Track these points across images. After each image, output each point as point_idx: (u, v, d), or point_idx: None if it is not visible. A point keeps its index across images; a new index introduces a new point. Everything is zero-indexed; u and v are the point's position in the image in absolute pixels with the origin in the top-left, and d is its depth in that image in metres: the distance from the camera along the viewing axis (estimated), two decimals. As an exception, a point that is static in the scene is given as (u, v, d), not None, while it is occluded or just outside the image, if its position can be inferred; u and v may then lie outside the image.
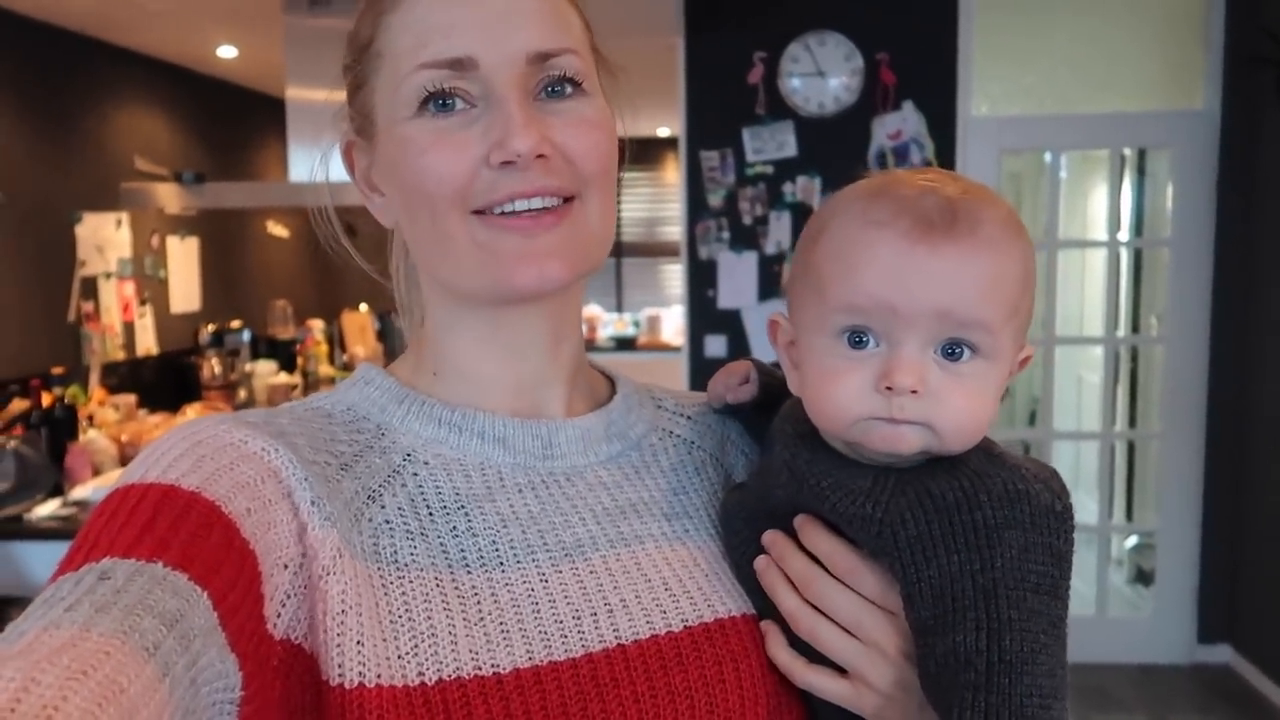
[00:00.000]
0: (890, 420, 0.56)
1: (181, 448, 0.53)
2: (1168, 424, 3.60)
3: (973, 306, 0.55)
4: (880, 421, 0.56)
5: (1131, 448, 4.43)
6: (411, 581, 0.56)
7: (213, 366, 4.19)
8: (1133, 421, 4.44)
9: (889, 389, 0.55)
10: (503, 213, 0.58)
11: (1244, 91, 3.37)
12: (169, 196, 2.95)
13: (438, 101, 0.58)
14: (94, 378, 3.80)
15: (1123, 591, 4.20)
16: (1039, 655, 0.52)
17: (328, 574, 0.53)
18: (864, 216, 0.57)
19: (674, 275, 6.33)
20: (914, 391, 0.55)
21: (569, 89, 0.60)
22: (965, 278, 0.55)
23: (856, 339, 0.57)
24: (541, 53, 0.58)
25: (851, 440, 0.58)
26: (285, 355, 4.67)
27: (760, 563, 0.62)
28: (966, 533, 0.54)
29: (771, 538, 0.62)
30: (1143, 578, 4.13)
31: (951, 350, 0.56)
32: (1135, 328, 4.44)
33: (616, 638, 0.58)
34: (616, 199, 0.64)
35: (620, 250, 7.46)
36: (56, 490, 2.77)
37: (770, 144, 3.57)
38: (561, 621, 0.57)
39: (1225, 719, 3.22)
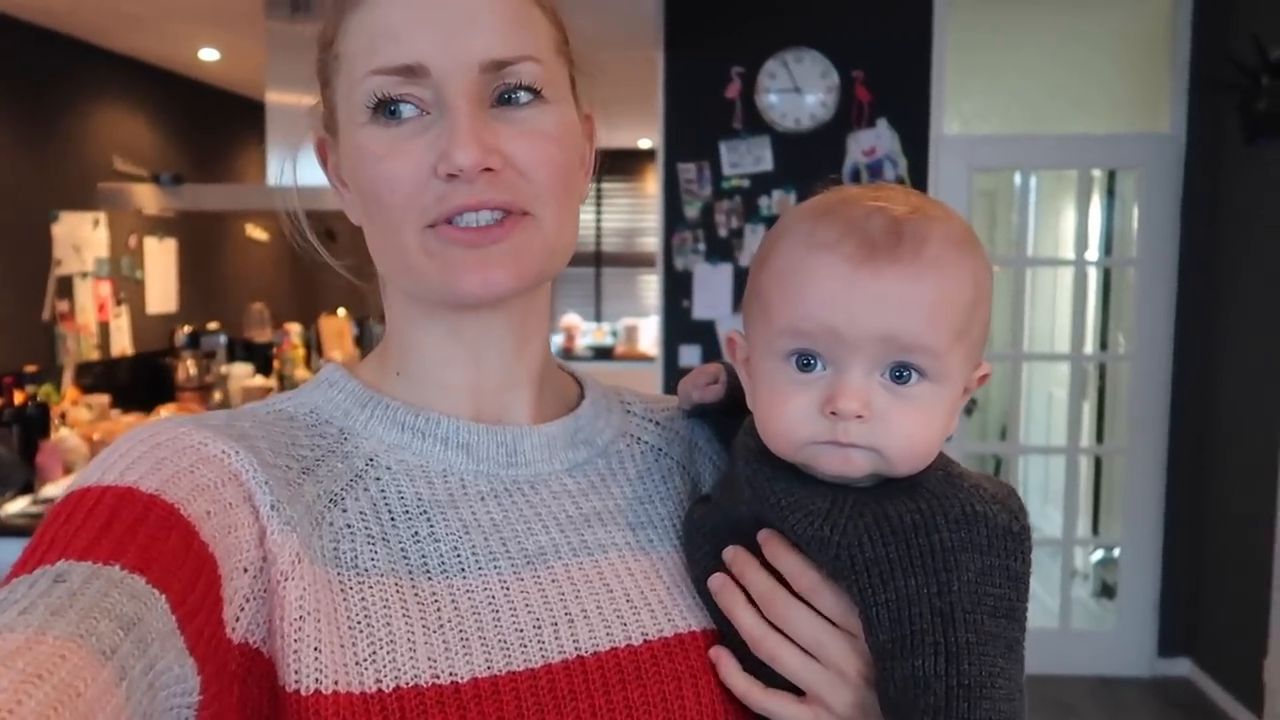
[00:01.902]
0: (837, 444, 0.56)
1: (141, 450, 0.52)
2: (1133, 440, 3.67)
3: (917, 331, 0.54)
4: (827, 445, 0.56)
5: (1099, 463, 4.50)
6: (371, 587, 0.55)
7: (188, 368, 4.18)
8: (1100, 437, 4.52)
9: (834, 414, 0.55)
10: (451, 223, 0.57)
11: (1208, 116, 3.45)
12: (147, 197, 2.96)
13: (387, 109, 0.57)
14: (68, 377, 3.78)
15: (1087, 605, 4.26)
16: (997, 679, 0.52)
17: (286, 579, 0.52)
18: (810, 239, 0.56)
19: (652, 286, 6.36)
20: (859, 416, 0.55)
21: (525, 97, 0.58)
22: (909, 302, 0.54)
23: (804, 362, 0.57)
24: (496, 60, 0.56)
25: (800, 463, 0.58)
26: (262, 358, 4.66)
27: (715, 581, 0.61)
28: (924, 556, 0.53)
29: (733, 554, 0.61)
30: (1107, 591, 4.19)
31: (899, 373, 0.56)
32: (1104, 345, 4.51)
33: (576, 649, 0.57)
34: (578, 209, 0.63)
35: (599, 260, 7.49)
36: (27, 488, 2.77)
37: (747, 158, 3.62)
38: (521, 630, 0.57)
39: (1183, 731, 3.28)
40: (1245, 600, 3.23)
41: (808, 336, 0.56)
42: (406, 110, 0.57)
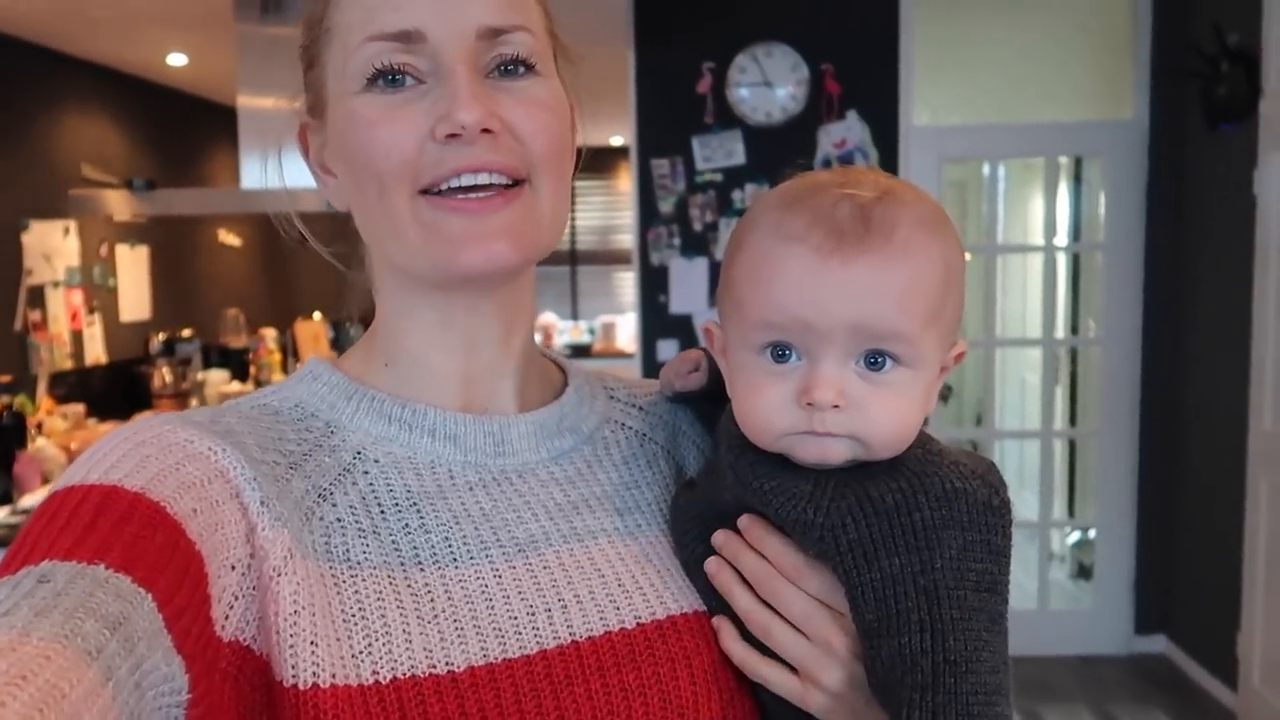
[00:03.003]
0: (814, 434, 0.56)
1: (125, 448, 0.52)
2: (1105, 422, 3.73)
3: (888, 319, 0.54)
4: (805, 435, 0.56)
5: (1073, 446, 4.56)
6: (364, 580, 0.55)
7: (163, 375, 4.15)
8: (1073, 420, 4.58)
9: (810, 404, 0.55)
10: (449, 189, 0.57)
11: (1170, 103, 3.51)
12: (118, 204, 2.94)
13: (386, 78, 0.57)
14: (41, 387, 3.75)
15: (1064, 586, 4.32)
16: (982, 653, 0.53)
17: (279, 575, 0.52)
18: (778, 230, 0.56)
19: (628, 282, 6.38)
20: (836, 406, 0.55)
21: (521, 69, 0.58)
22: (879, 290, 0.54)
23: (779, 353, 0.57)
24: (492, 28, 0.57)
25: (780, 452, 0.58)
26: (237, 364, 4.64)
27: (711, 564, 0.62)
28: (906, 535, 0.54)
29: (724, 538, 0.61)
30: (1084, 573, 4.26)
31: (874, 360, 0.56)
32: (1075, 329, 4.58)
33: (570, 634, 0.57)
34: (571, 191, 0.63)
35: (575, 258, 7.49)
36: (5, 498, 2.75)
37: (719, 152, 3.65)
38: (515, 618, 0.57)
39: (1161, 706, 3.34)
40: (1218, 577, 3.29)
41: (780, 329, 0.56)
42: (407, 80, 0.57)
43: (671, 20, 3.63)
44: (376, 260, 0.65)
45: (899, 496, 0.55)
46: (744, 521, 0.61)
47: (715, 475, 0.64)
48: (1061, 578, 4.36)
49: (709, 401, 0.70)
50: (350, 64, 0.58)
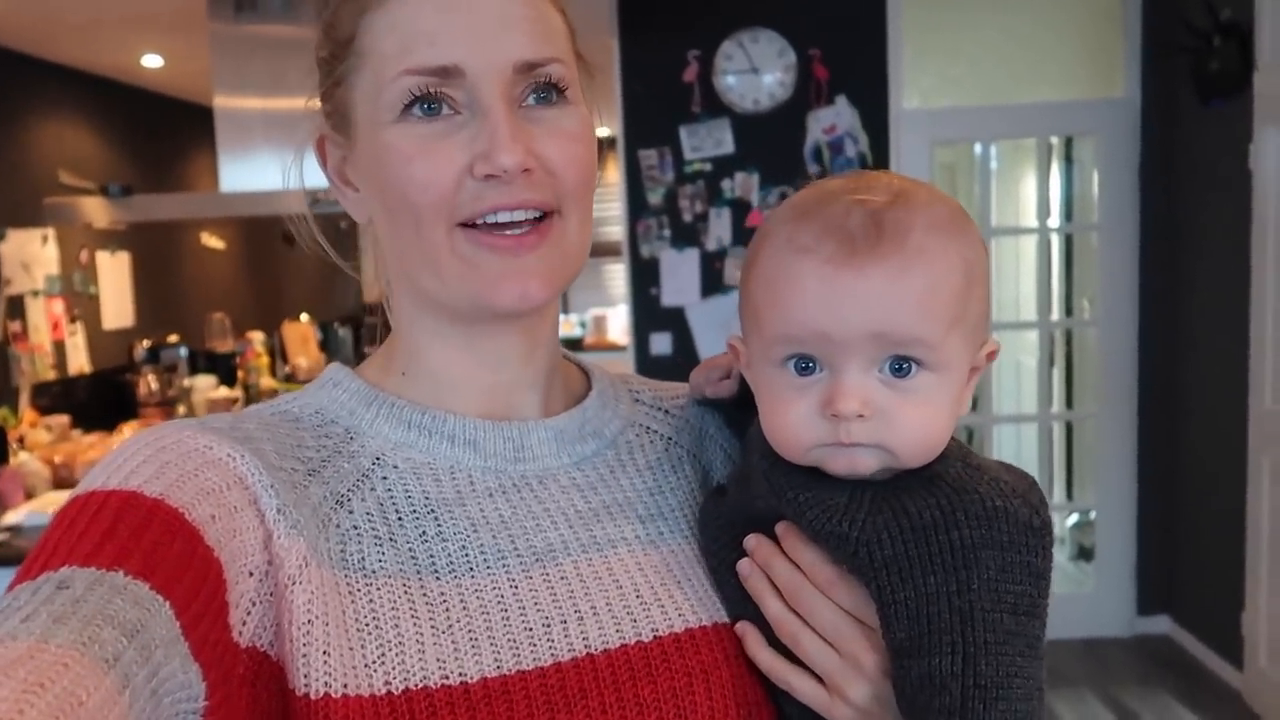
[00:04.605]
0: (842, 445, 0.55)
1: (144, 454, 0.52)
2: (1102, 404, 3.70)
3: (907, 325, 0.54)
4: (833, 447, 0.56)
5: (1070, 429, 4.54)
6: (379, 589, 0.55)
7: (149, 383, 4.09)
8: (1070, 403, 4.56)
9: (835, 415, 0.55)
10: (486, 224, 0.58)
11: (1162, 79, 3.48)
12: (96, 210, 2.88)
13: (424, 105, 0.57)
14: (24, 399, 3.69)
15: (1065, 568, 4.31)
16: (1014, 679, 0.52)
17: (294, 583, 0.52)
18: (791, 242, 0.56)
19: (618, 275, 6.33)
20: (861, 415, 0.54)
21: (554, 96, 0.59)
22: (896, 297, 0.53)
23: (802, 366, 0.56)
24: (529, 63, 0.58)
25: (810, 465, 0.57)
26: (225, 369, 4.58)
27: (744, 566, 0.61)
28: (943, 554, 0.53)
29: (756, 542, 0.61)
30: (1084, 554, 4.24)
31: (898, 367, 0.55)
32: (1070, 311, 4.55)
33: (586, 647, 0.57)
34: (592, 209, 0.64)
35: (564, 251, 7.44)
36: (-12, 516, 2.69)
37: (708, 141, 3.60)
38: (531, 629, 0.56)
39: (1166, 687, 3.33)
40: (1221, 555, 3.28)
41: (800, 342, 0.55)
42: (443, 109, 0.57)
43: (656, 8, 3.58)
44: (395, 279, 0.65)
45: (937, 513, 0.54)
46: (781, 528, 0.60)
47: (748, 483, 0.63)
48: (1062, 560, 4.35)
49: (739, 408, 0.69)
50: (385, 94, 0.58)
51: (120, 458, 0.52)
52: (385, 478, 0.60)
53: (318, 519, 0.56)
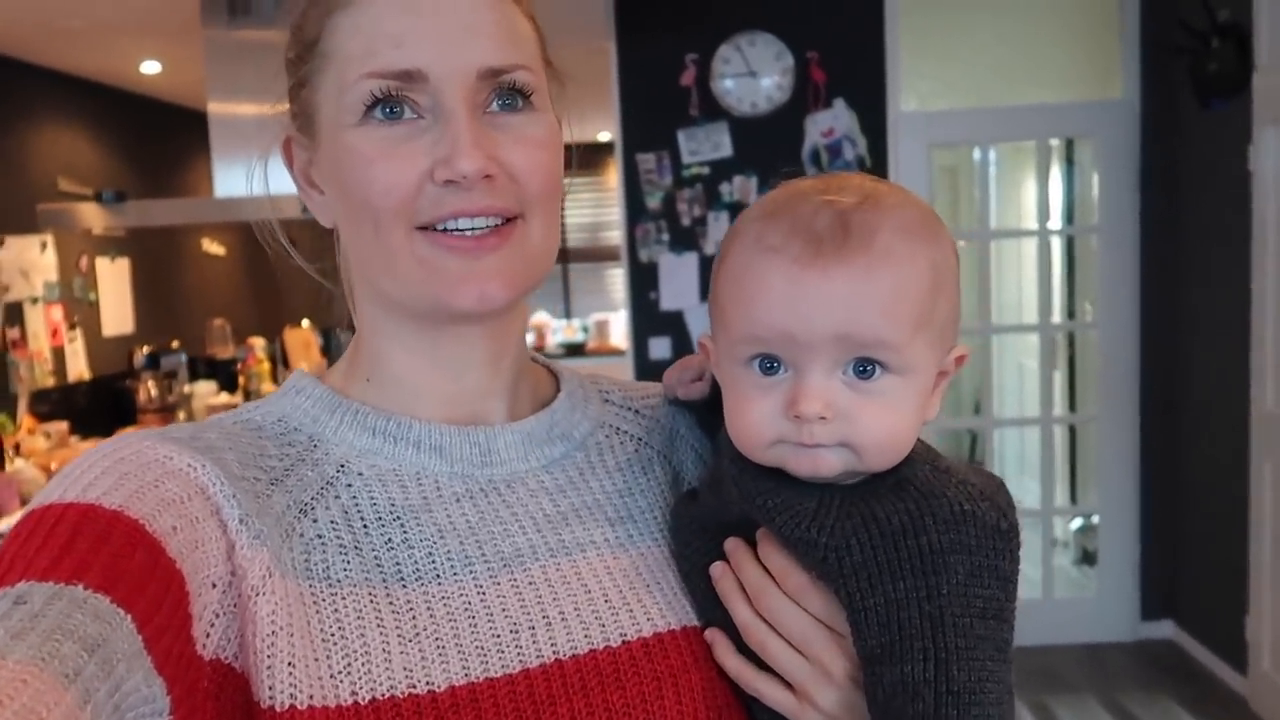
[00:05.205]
0: (805, 446, 0.55)
1: (103, 465, 0.51)
2: (1105, 407, 3.68)
3: (871, 327, 0.53)
4: (795, 447, 0.55)
5: (1073, 432, 4.52)
6: (344, 598, 0.54)
7: (149, 389, 4.09)
8: (1073, 406, 4.54)
9: (798, 416, 0.54)
10: (446, 230, 0.57)
11: (1161, 80, 3.46)
12: (92, 217, 2.88)
13: (385, 108, 0.57)
14: (22, 406, 3.69)
15: (1069, 573, 4.28)
16: (986, 683, 0.52)
17: (257, 594, 0.52)
18: (759, 242, 0.55)
19: (619, 279, 6.34)
20: (823, 417, 0.54)
21: (519, 102, 0.59)
22: (861, 298, 0.53)
23: (767, 365, 0.56)
24: (493, 69, 0.57)
25: (772, 465, 0.57)
26: (226, 375, 4.58)
27: (717, 569, 0.61)
28: (912, 559, 0.53)
29: (733, 545, 0.61)
30: (1088, 559, 4.21)
31: (862, 369, 0.55)
32: (1071, 314, 4.53)
33: (554, 653, 0.56)
34: (561, 215, 0.64)
35: (566, 256, 7.44)
36: (-17, 523, 2.68)
37: (705, 145, 3.59)
38: (499, 636, 0.56)
39: (1170, 693, 3.30)
40: (1224, 559, 3.25)
41: (764, 342, 0.55)
42: (405, 111, 0.57)
43: (653, 12, 3.57)
44: (358, 283, 0.65)
45: (905, 519, 0.54)
46: (762, 533, 0.59)
47: (719, 487, 0.62)
48: (1065, 564, 4.32)
49: (711, 410, 0.68)
50: (347, 96, 0.57)
51: (78, 469, 0.51)
52: (350, 485, 0.59)
53: (281, 529, 0.55)
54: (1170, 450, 3.60)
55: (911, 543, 0.53)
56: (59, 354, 4.12)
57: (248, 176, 0.67)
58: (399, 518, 0.59)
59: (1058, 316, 4.39)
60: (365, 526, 0.58)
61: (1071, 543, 4.43)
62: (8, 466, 2.93)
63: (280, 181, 0.67)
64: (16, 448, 3.16)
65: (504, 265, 0.58)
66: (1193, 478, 3.52)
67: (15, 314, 3.85)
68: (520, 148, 0.58)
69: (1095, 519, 3.90)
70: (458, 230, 0.57)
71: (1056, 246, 4.43)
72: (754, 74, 3.55)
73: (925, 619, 0.52)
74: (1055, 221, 4.41)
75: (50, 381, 4.02)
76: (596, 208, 7.46)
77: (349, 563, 0.56)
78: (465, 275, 0.57)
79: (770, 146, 3.55)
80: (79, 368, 4.25)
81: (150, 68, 4.31)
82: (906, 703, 0.51)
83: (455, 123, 0.56)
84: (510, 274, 0.58)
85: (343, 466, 0.60)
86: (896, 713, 0.52)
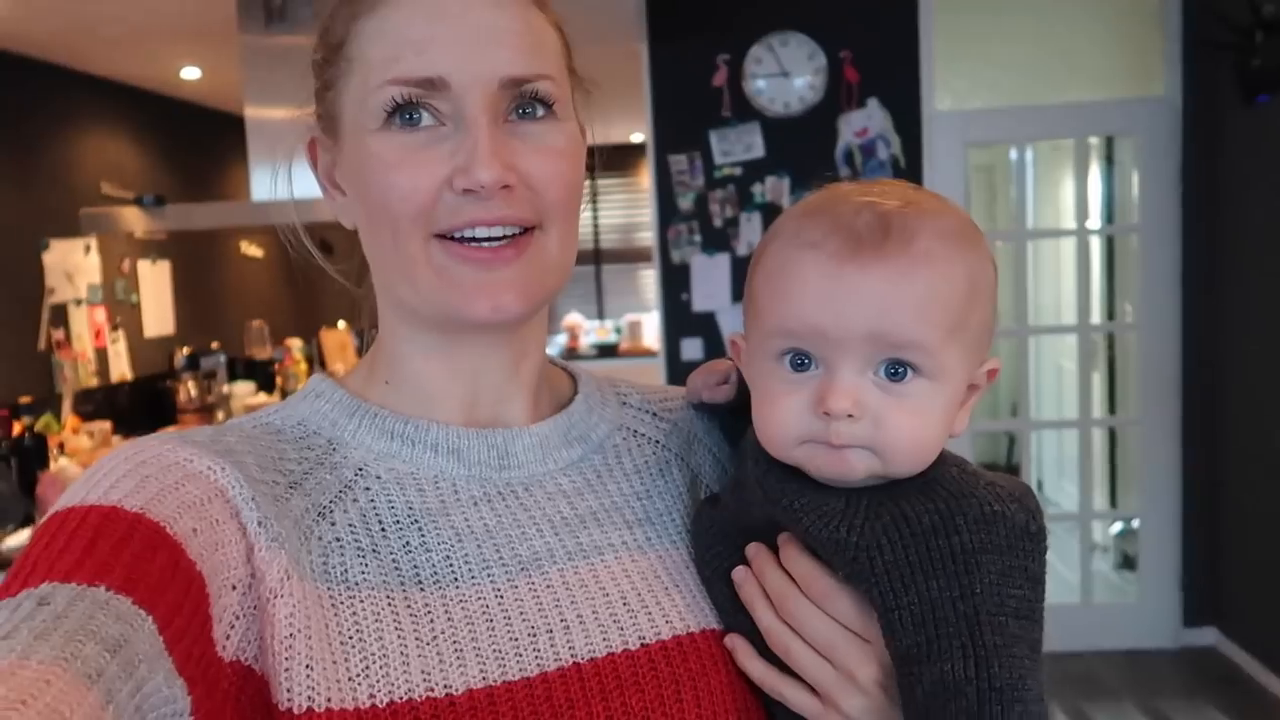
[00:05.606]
0: (830, 445, 0.55)
1: (124, 468, 0.51)
2: (1145, 409, 3.61)
3: (905, 327, 0.53)
4: (822, 447, 0.55)
5: (1112, 434, 4.44)
6: (362, 601, 0.55)
7: (189, 390, 4.16)
8: (1113, 408, 4.46)
9: (826, 414, 0.54)
10: (463, 239, 0.57)
11: (1203, 77, 3.39)
12: (132, 220, 2.93)
13: (404, 115, 0.57)
14: (67, 405, 3.76)
15: (1109, 578, 4.21)
16: (1026, 681, 0.52)
17: (275, 597, 0.52)
18: (798, 237, 0.56)
19: (652, 280, 6.34)
20: (851, 415, 0.54)
21: (540, 111, 0.59)
22: (896, 298, 0.53)
23: (798, 362, 0.56)
24: (515, 78, 0.57)
25: (797, 464, 0.57)
26: (263, 376, 4.65)
27: (739, 574, 0.61)
28: (945, 559, 0.53)
29: (755, 550, 0.61)
30: (1128, 563, 4.14)
31: (894, 370, 0.55)
32: (1111, 314, 4.45)
33: (572, 656, 0.56)
34: (578, 227, 0.64)
35: (599, 257, 7.45)
36: (28, 521, 2.74)
37: (738, 145, 3.58)
38: (516, 639, 0.56)
39: (1213, 702, 3.23)
40: (1269, 565, 3.18)
41: (796, 336, 0.55)
42: (424, 118, 0.57)
43: (685, 13, 3.56)
44: (380, 288, 0.65)
45: (936, 518, 0.54)
46: (783, 538, 0.59)
47: (743, 491, 0.62)
48: (1105, 569, 4.24)
49: (734, 415, 0.69)
50: (370, 101, 0.58)
51: (100, 472, 0.52)
52: (368, 488, 0.59)
53: (299, 531, 0.55)
54: (1212, 453, 3.53)
55: (943, 542, 0.53)
56: (102, 355, 4.20)
57: (273, 178, 0.68)
58: (417, 521, 0.59)
59: (1097, 317, 4.31)
60: (383, 529, 0.58)
61: (1111, 547, 4.35)
62: (52, 465, 2.99)
63: (309, 185, 0.68)
64: (61, 447, 3.23)
65: (519, 277, 0.58)
66: (1236, 480, 3.44)
67: (60, 316, 3.94)
68: (539, 157, 0.58)
69: (1135, 523, 3.83)
70: (474, 240, 0.57)
71: (1096, 246, 4.36)
72: (786, 74, 3.53)
73: (961, 618, 0.52)
74: (1094, 221, 4.34)
75: (94, 382, 4.10)
76: (629, 209, 7.46)
77: (367, 566, 0.56)
78: (480, 286, 0.58)
79: (803, 147, 3.53)
80: (121, 368, 4.33)
81: (190, 73, 4.39)
82: (948, 701, 0.51)
83: (475, 131, 0.56)
84: (525, 285, 0.58)
85: (361, 470, 0.60)
86: (937, 712, 0.51)
